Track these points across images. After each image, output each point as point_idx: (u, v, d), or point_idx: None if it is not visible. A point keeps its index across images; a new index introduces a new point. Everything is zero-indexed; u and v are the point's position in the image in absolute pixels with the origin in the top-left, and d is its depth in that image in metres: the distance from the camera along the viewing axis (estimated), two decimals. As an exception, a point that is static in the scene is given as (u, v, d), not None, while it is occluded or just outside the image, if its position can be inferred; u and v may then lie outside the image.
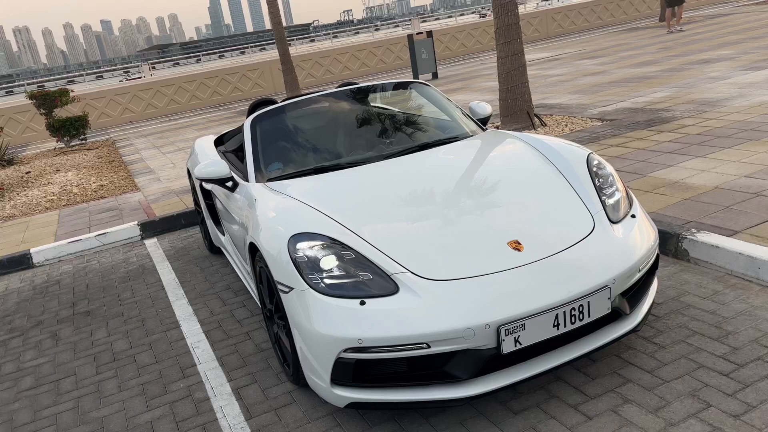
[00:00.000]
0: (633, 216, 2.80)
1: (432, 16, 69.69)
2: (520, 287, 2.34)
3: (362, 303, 2.33)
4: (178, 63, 48.45)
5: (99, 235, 5.71)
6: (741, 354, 2.61)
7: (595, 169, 3.01)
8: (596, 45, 16.37)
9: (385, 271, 2.42)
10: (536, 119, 7.02)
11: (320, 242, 2.55)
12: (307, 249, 2.53)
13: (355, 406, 2.39)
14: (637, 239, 2.66)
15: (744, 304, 2.99)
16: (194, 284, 4.43)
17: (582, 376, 2.64)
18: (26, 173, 10.23)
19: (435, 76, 14.76)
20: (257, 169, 3.46)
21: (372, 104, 4.07)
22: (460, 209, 2.76)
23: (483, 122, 4.05)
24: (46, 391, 3.25)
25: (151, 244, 5.63)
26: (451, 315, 2.25)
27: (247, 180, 3.46)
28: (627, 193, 2.96)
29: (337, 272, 2.44)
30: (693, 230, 3.56)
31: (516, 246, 2.51)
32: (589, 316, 2.39)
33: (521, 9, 39.19)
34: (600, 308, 2.41)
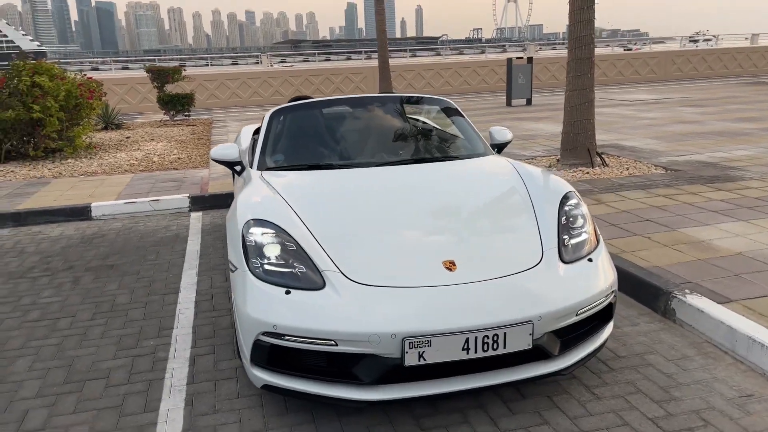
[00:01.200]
0: (590, 260, 2.74)
1: (559, 42, 68.29)
2: (437, 305, 2.38)
3: (288, 292, 2.46)
4: (307, 59, 50.32)
5: (152, 200, 6.18)
6: (673, 421, 2.50)
7: (567, 207, 2.98)
8: (708, 94, 15.51)
9: (318, 267, 2.53)
10: (597, 158, 6.82)
11: (271, 231, 2.71)
12: (258, 234, 2.70)
13: (268, 388, 2.52)
14: (583, 283, 2.61)
15: (706, 374, 2.84)
16: (210, 258, 4.73)
17: (504, 409, 2.62)
18: (126, 138, 11.15)
19: (529, 102, 14.57)
20: (261, 157, 3.67)
21: (391, 115, 4.18)
22: (413, 223, 2.83)
23: (500, 148, 4.06)
24: (43, 325, 3.61)
25: (195, 216, 6.03)
26: (361, 318, 2.33)
27: (251, 166, 3.69)
28: (596, 238, 2.90)
29: (275, 260, 2.58)
30: (686, 291, 3.39)
31: (449, 266, 2.55)
32: (504, 347, 2.38)
33: (660, 47, 37.54)
34: (518, 342, 2.39)
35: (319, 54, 47.35)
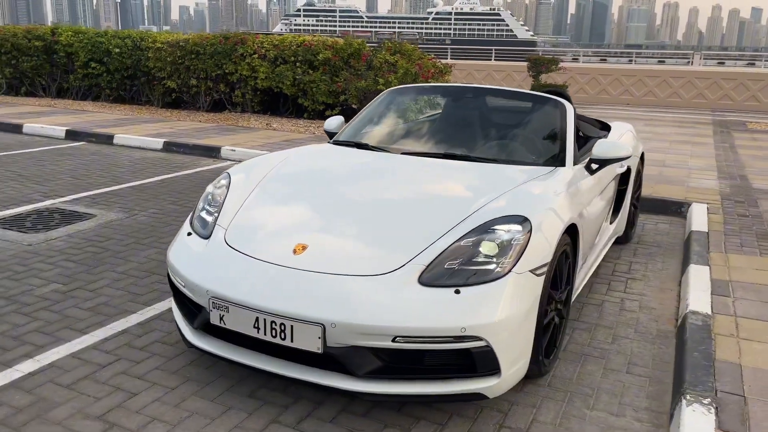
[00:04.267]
0: (457, 291, 2.31)
1: None
2: (252, 278, 2.47)
3: (189, 234, 2.88)
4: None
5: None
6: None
7: (495, 227, 2.49)
8: None
9: (218, 221, 2.85)
10: None
11: (225, 182, 3.12)
12: (219, 181, 3.16)
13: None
14: (420, 309, 2.27)
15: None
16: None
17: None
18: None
19: None
20: (340, 128, 3.97)
21: (481, 108, 3.86)
22: (335, 210, 2.85)
23: (601, 164, 3.40)
24: (100, 241, 4.72)
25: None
26: (199, 271, 2.62)
27: None
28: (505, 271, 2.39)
29: (209, 208, 3.00)
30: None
31: (297, 249, 2.54)
32: (291, 340, 2.33)
33: None
34: (307, 342, 2.31)
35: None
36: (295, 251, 2.55)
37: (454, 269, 2.40)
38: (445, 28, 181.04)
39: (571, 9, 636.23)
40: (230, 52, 11.06)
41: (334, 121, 4.15)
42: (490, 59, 23.29)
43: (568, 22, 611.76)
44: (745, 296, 3.58)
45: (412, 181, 3.08)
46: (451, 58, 23.79)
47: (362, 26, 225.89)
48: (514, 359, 2.43)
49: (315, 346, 2.30)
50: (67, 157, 7.66)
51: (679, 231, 5.25)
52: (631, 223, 4.89)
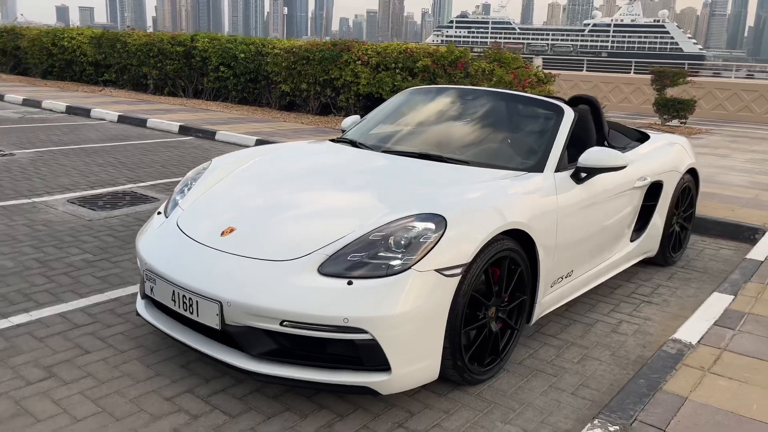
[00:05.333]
0: (349, 283, 2.33)
1: None
2: (178, 254, 2.67)
3: (158, 213, 3.14)
4: None
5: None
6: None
7: (409, 223, 2.50)
8: None
9: (180, 203, 3.08)
10: None
11: (203, 168, 3.37)
12: (200, 167, 3.42)
13: None
14: (309, 297, 2.34)
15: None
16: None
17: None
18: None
19: None
20: (350, 123, 4.08)
21: (475, 110, 3.75)
22: (280, 201, 2.94)
23: (589, 173, 3.22)
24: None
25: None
26: (144, 244, 2.88)
27: None
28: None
29: (184, 190, 3.25)
30: None
31: (225, 231, 2.70)
32: (197, 315, 2.49)
33: None
34: (208, 317, 2.46)
35: None
36: (223, 233, 2.70)
37: (356, 261, 2.41)
38: (602, 41, 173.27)
39: (750, 21, 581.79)
40: (336, 59, 11.54)
41: (349, 120, 4.26)
42: (630, 72, 22.07)
43: (745, 35, 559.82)
44: (753, 330, 3.17)
45: (365, 178, 3.10)
46: (586, 71, 22.88)
47: (514, 38, 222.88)
48: (412, 359, 2.39)
49: (214, 322, 2.43)
50: (170, 149, 8.45)
51: (739, 259, 4.72)
52: (675, 244, 4.49)
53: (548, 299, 3.18)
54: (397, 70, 10.94)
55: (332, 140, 3.85)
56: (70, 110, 11.95)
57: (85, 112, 11.64)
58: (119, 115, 11.06)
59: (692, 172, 4.56)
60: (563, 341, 3.26)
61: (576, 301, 3.78)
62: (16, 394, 2.53)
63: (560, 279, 3.24)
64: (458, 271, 2.46)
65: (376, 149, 3.54)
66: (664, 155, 4.23)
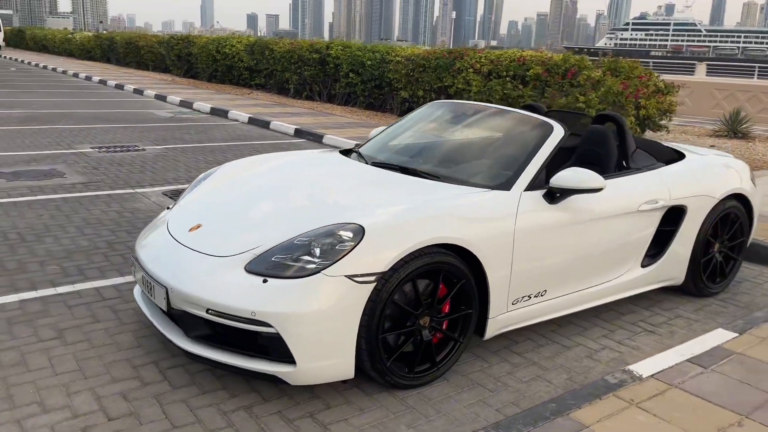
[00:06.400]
0: (264, 281, 2.62)
1: None
2: (154, 244, 3.11)
3: (167, 208, 3.64)
4: None
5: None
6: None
7: (333, 230, 2.74)
8: None
9: (180, 200, 3.55)
10: None
11: (211, 171, 3.81)
12: (209, 170, 3.86)
13: None
14: (228, 291, 2.66)
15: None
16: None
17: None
18: (710, 146, 10.67)
19: None
20: (375, 133, 4.31)
21: (467, 126, 3.80)
22: (246, 205, 3.28)
23: (562, 193, 3.22)
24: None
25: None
26: (142, 234, 3.35)
27: None
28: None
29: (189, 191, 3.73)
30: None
31: (193, 228, 3.10)
32: (154, 297, 2.92)
33: None
34: (159, 299, 2.88)
35: None
36: (191, 229, 3.09)
37: (278, 262, 2.68)
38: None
39: None
40: (450, 66, 11.71)
41: (376, 130, 4.49)
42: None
43: None
44: (728, 372, 2.93)
45: (333, 188, 3.32)
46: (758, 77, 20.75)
47: (699, 41, 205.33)
48: (318, 356, 2.60)
49: (163, 304, 2.83)
50: (277, 149, 9.20)
51: (796, 296, 4.25)
52: (714, 274, 4.17)
53: (510, 316, 3.20)
54: (508, 78, 10.86)
55: (341, 151, 4.11)
56: (213, 111, 13.34)
57: (224, 114, 12.93)
58: (249, 117, 12.16)
59: (740, 198, 4.19)
60: (526, 360, 3.25)
61: (568, 322, 3.71)
62: (25, 348, 3.12)
63: (527, 297, 3.24)
64: (372, 278, 2.63)
65: (369, 161, 3.75)
66: (693, 179, 3.95)
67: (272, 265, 2.68)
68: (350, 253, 2.63)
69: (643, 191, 3.67)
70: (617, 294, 3.73)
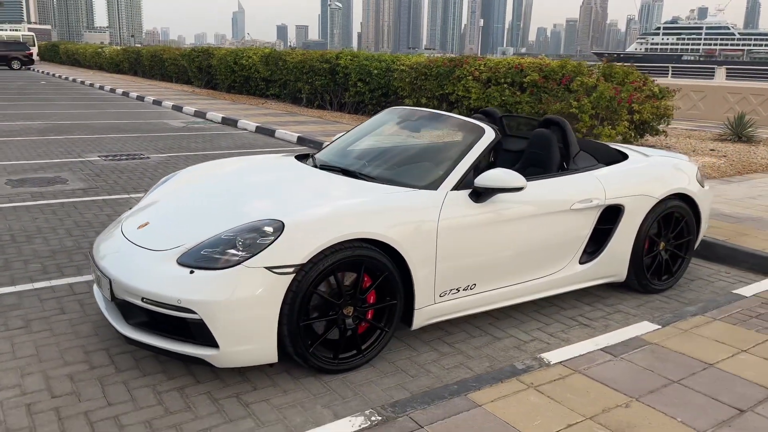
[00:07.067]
0: (191, 272, 2.87)
1: None
2: (108, 241, 3.40)
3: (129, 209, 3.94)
4: None
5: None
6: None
7: (257, 226, 2.98)
8: None
9: (140, 202, 3.84)
10: None
11: (171, 175, 4.10)
12: (164, 178, 4.15)
13: None
14: (156, 280, 2.92)
15: None
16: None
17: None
18: (710, 150, 10.66)
19: None
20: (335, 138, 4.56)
21: (410, 130, 4.02)
22: (189, 203, 3.56)
23: (486, 193, 3.42)
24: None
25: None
26: (99, 235, 3.65)
27: None
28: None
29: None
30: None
31: (141, 225, 3.38)
32: (101, 288, 3.20)
33: None
34: (105, 290, 3.17)
35: None
36: (139, 227, 3.37)
37: (206, 255, 2.93)
38: None
39: None
40: (449, 74, 11.92)
41: (336, 136, 4.74)
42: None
43: None
44: (637, 361, 3.08)
45: (275, 188, 3.57)
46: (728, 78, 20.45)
47: (732, 44, 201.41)
48: (239, 340, 2.84)
49: (108, 294, 3.10)
50: (276, 157, 9.52)
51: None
52: (660, 272, 4.30)
53: (438, 308, 3.39)
54: (506, 85, 11.02)
55: (297, 156, 4.36)
56: (224, 121, 13.76)
57: (234, 123, 13.34)
58: (257, 126, 12.54)
59: (684, 198, 4.32)
60: (455, 349, 3.44)
61: (507, 316, 3.89)
62: (-7, 335, 3.44)
63: (456, 290, 3.43)
64: (290, 270, 2.86)
65: (316, 164, 4.00)
66: (631, 179, 4.10)
67: (201, 257, 2.93)
68: (270, 246, 2.87)
69: (577, 191, 3.84)
70: (554, 289, 3.89)
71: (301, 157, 4.28)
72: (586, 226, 3.92)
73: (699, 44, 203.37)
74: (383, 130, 4.34)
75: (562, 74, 10.52)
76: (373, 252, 3.07)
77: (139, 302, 2.94)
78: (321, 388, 3.01)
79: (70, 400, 2.83)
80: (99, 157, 9.08)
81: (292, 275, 2.87)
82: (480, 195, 3.45)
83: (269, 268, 2.84)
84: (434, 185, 3.44)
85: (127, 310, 3.05)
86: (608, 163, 4.28)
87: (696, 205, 4.40)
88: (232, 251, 2.91)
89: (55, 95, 19.84)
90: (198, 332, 2.85)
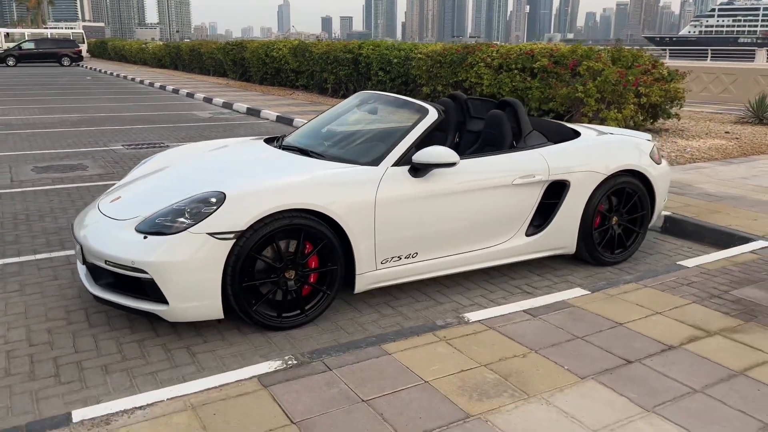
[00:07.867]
0: (145, 237, 3.27)
1: None
2: (86, 215, 3.82)
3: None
4: None
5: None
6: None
7: (203, 197, 3.35)
8: None
9: (120, 181, 4.27)
10: None
11: (148, 158, 4.52)
12: (145, 159, 4.56)
13: None
14: (114, 244, 3.32)
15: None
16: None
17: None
18: (725, 132, 10.57)
19: None
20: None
21: (368, 112, 4.32)
22: (159, 180, 3.96)
23: (423, 168, 3.71)
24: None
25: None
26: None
27: None
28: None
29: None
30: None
31: (114, 199, 3.79)
32: (76, 254, 3.63)
33: None
34: (79, 255, 3.58)
35: None
36: (113, 201, 3.79)
37: (159, 223, 3.32)
38: None
39: None
40: (462, 61, 12.09)
41: (309, 119, 5.08)
42: None
43: None
44: (552, 321, 3.32)
45: (232, 167, 3.94)
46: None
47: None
48: (187, 298, 3.21)
49: (81, 259, 3.53)
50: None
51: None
52: (612, 245, 4.50)
53: (379, 274, 3.70)
54: (516, 71, 11.14)
55: (266, 139, 4.72)
56: (249, 111, 14.28)
57: (257, 113, 13.84)
58: (277, 116, 13.00)
59: (636, 174, 4.49)
60: (396, 312, 3.75)
61: (456, 284, 4.17)
62: (-9, 296, 3.92)
63: (397, 258, 3.74)
64: (231, 236, 3.22)
65: (279, 145, 4.35)
66: (577, 155, 4.30)
67: (154, 225, 3.32)
68: (212, 214, 3.24)
69: (519, 167, 4.07)
70: (500, 259, 4.14)
71: (270, 140, 4.64)
72: (529, 200, 4.15)
73: (756, 26, 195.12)
74: (348, 113, 4.65)
75: (572, 59, 10.58)
76: (311, 221, 3.40)
77: (103, 264, 3.36)
78: (263, 342, 3.37)
79: (44, 348, 3.27)
80: (122, 146, 9.67)
81: (233, 240, 3.23)
82: (418, 170, 3.73)
83: (211, 234, 3.21)
84: (376, 162, 3.75)
85: (96, 273, 3.47)
86: (559, 141, 4.48)
87: (649, 181, 4.56)
88: (181, 219, 3.29)
89: (97, 90, 20.79)
90: (150, 290, 3.24)
